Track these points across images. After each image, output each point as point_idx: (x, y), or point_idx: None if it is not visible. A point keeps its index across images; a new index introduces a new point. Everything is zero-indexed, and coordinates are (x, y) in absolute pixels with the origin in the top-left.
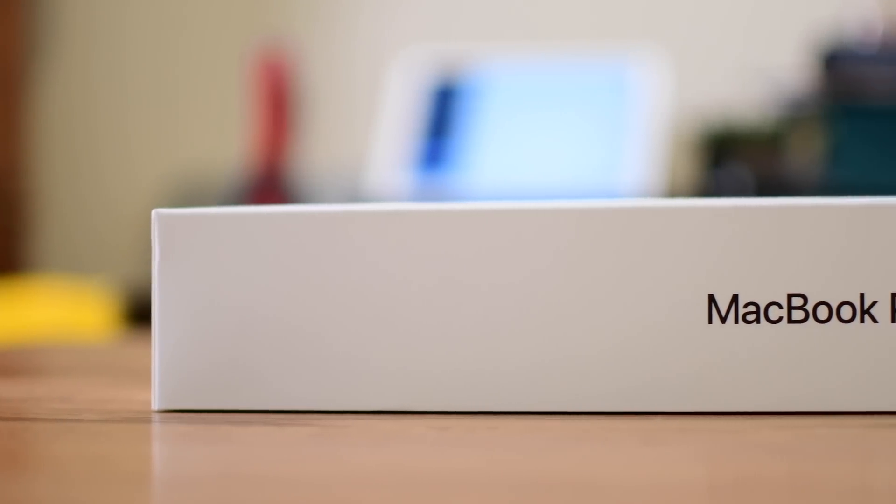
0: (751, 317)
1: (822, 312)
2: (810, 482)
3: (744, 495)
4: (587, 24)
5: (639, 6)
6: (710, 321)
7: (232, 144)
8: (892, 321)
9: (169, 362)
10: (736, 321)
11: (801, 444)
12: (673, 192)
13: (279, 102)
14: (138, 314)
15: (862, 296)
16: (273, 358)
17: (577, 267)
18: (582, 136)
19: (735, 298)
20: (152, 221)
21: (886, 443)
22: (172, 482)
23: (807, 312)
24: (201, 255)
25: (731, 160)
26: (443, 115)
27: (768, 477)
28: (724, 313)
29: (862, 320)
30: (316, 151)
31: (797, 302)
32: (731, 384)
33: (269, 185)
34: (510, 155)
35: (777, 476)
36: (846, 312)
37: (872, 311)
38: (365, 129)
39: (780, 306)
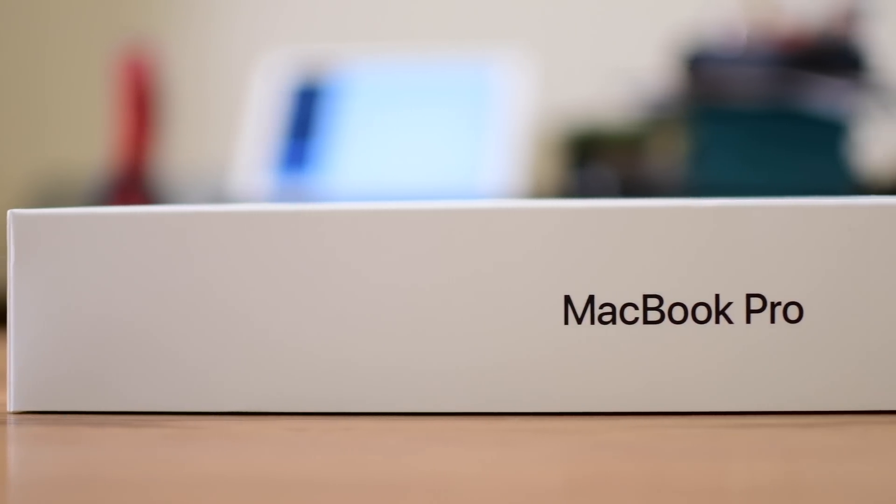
0: (606, 318)
1: (678, 313)
2: (663, 482)
3: (597, 495)
4: (452, 24)
5: (503, 7)
6: (567, 322)
7: (95, 144)
8: (747, 322)
9: (25, 364)
10: (592, 322)
11: (655, 444)
12: (537, 193)
13: (142, 102)
14: None
15: (717, 297)
16: (129, 359)
17: (432, 267)
18: (446, 137)
19: (591, 299)
20: (8, 222)
21: (739, 442)
22: (27, 484)
23: (662, 313)
24: (57, 255)
25: (595, 161)
26: (307, 116)
27: (622, 477)
28: (580, 314)
29: (717, 321)
30: (179, 152)
31: (653, 303)
32: (587, 385)
33: (132, 185)
34: (374, 156)
35: (630, 476)
36: (701, 313)
37: (727, 311)
38: (228, 130)
39: (636, 307)
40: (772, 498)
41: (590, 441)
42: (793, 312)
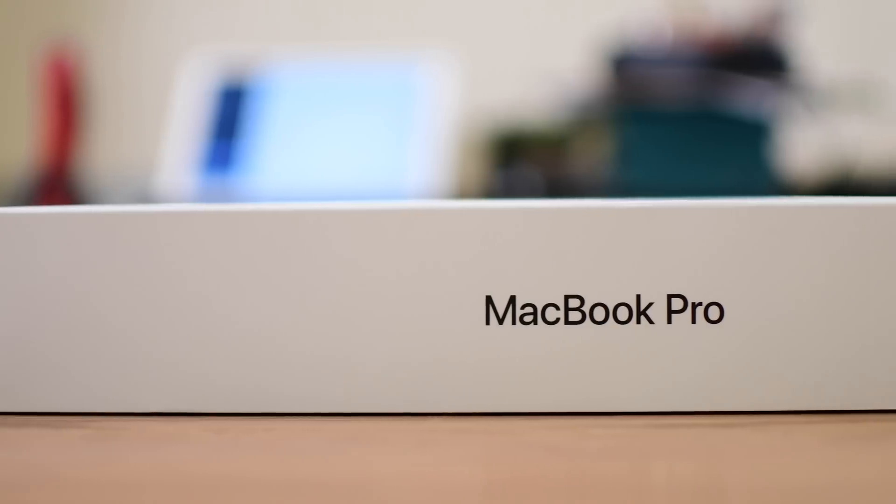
0: (528, 318)
1: (599, 314)
2: (584, 482)
3: (519, 495)
4: (377, 25)
5: (429, 8)
6: (488, 322)
7: (19, 144)
8: (668, 322)
9: None
10: (513, 322)
11: (576, 445)
12: (461, 194)
13: (66, 102)
14: None
15: (638, 297)
16: (49, 360)
17: (354, 267)
18: (371, 138)
19: (512, 300)
20: None
21: (660, 442)
22: None
23: (584, 314)
24: None
25: (520, 161)
26: (232, 116)
27: (544, 477)
28: (501, 315)
29: (638, 321)
30: (104, 152)
31: (574, 303)
32: (509, 385)
33: (56, 185)
34: (300, 156)
35: (552, 476)
36: (622, 314)
37: (648, 312)
38: (154, 130)
39: (558, 307)
40: (693, 497)
41: (511, 441)
42: (713, 313)
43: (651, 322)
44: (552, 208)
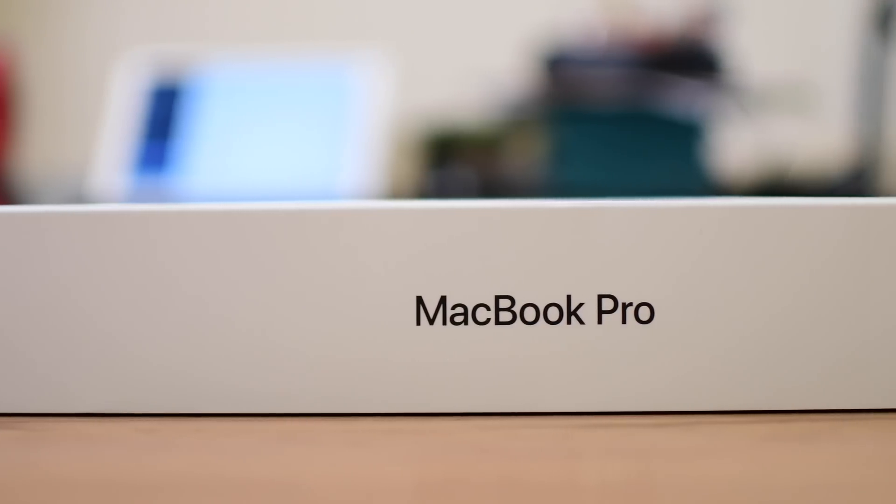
0: (458, 318)
1: (530, 314)
2: (515, 482)
3: (450, 495)
4: (311, 26)
5: (362, 9)
6: (419, 323)
7: None
8: (599, 323)
9: None
10: (444, 323)
11: (507, 444)
12: (395, 194)
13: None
14: None
15: (569, 297)
16: None
17: (285, 267)
18: (305, 138)
19: (443, 300)
20: None
21: (591, 442)
22: None
23: (514, 314)
24: None
25: (453, 162)
26: (166, 117)
27: (475, 477)
28: (431, 315)
29: (569, 321)
30: (37, 153)
31: (505, 304)
32: (440, 385)
33: None
34: (234, 157)
35: (483, 476)
36: (553, 314)
37: (579, 312)
38: (88, 130)
39: (488, 308)
40: (623, 497)
41: (442, 441)
42: (644, 313)
43: (581, 322)
44: (483, 208)
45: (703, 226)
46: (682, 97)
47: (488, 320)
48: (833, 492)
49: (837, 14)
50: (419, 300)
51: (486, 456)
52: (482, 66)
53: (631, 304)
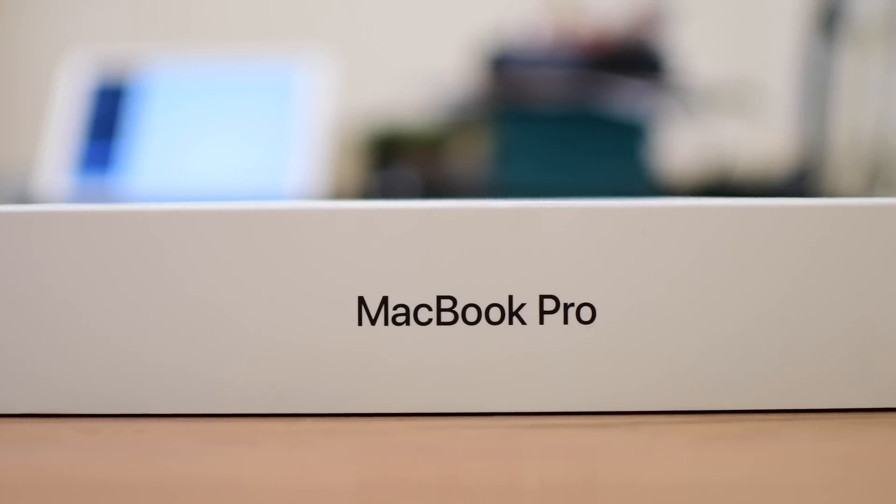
0: (400, 319)
1: (471, 314)
2: (457, 482)
3: (391, 496)
4: (255, 26)
5: (306, 8)
6: (361, 323)
7: None
8: (540, 323)
9: None
10: (386, 323)
11: (449, 445)
12: (339, 194)
13: None
14: None
15: (510, 298)
16: None
17: (226, 268)
18: (249, 138)
19: (385, 300)
20: None
21: (532, 443)
22: None
23: (456, 314)
24: None
25: (397, 162)
26: (110, 117)
27: (416, 477)
28: (373, 315)
29: (510, 322)
30: None
31: (446, 304)
32: (382, 386)
33: None
34: (178, 157)
35: (424, 476)
36: (495, 314)
37: (521, 312)
38: (32, 130)
39: (430, 308)
40: (564, 497)
41: (384, 442)
42: (586, 314)
43: (523, 323)
44: (425, 209)
45: (646, 226)
46: (626, 97)
47: (430, 321)
48: (773, 491)
49: (782, 15)
50: (361, 300)
51: (427, 456)
52: (426, 66)
53: (573, 304)
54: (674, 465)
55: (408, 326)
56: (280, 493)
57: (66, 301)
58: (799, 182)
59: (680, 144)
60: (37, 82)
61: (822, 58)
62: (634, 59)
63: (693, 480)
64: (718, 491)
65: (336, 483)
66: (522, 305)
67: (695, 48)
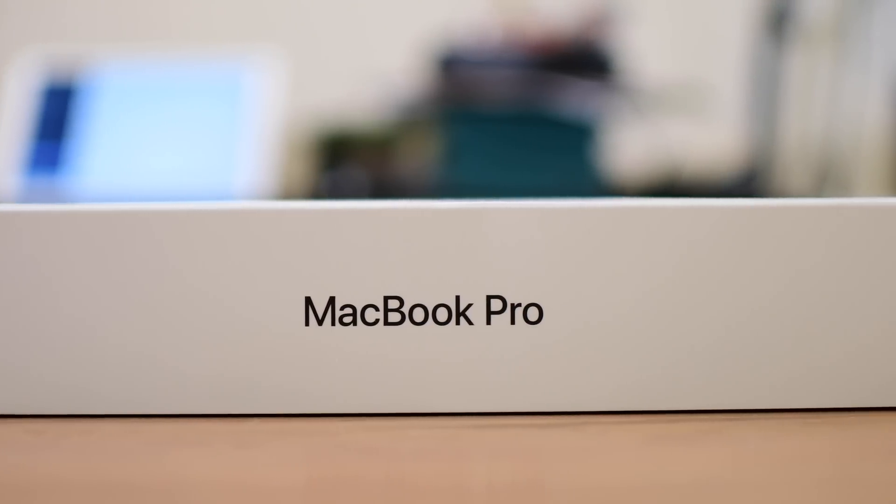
0: (347, 319)
1: (419, 315)
2: (403, 482)
3: (337, 496)
4: (204, 26)
5: (255, 8)
6: (307, 323)
7: None
8: (488, 323)
9: None
10: (333, 323)
11: (396, 445)
12: (288, 195)
13: None
14: None
15: (458, 298)
16: None
17: (174, 268)
18: (198, 138)
19: (332, 301)
20: None
21: (479, 443)
22: None
23: (403, 315)
24: None
25: (346, 162)
26: (59, 117)
27: (363, 478)
28: (321, 316)
29: (458, 322)
30: None
31: (393, 304)
32: (328, 386)
33: None
34: (127, 157)
35: (371, 477)
36: (442, 314)
37: (468, 313)
38: None
39: (377, 308)
40: (511, 497)
41: (330, 442)
42: (533, 314)
43: (470, 323)
44: (372, 209)
45: (592, 227)
46: (575, 98)
47: (377, 321)
48: (719, 490)
49: (731, 16)
50: (308, 301)
51: (375, 456)
52: (375, 67)
53: (520, 304)
54: (622, 466)
55: (355, 327)
56: (227, 494)
57: (6, 300)
58: (748, 182)
59: (629, 145)
60: None
61: (771, 59)
62: (583, 59)
63: (641, 480)
64: (665, 491)
65: (283, 483)
66: (470, 306)
67: (644, 49)
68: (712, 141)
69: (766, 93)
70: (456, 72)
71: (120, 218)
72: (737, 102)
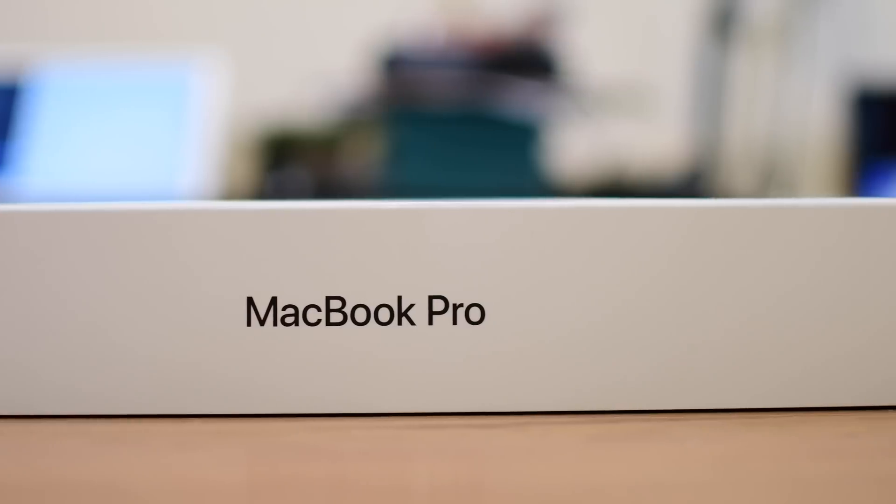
0: (289, 319)
1: (361, 315)
2: (346, 483)
3: (279, 497)
4: (149, 26)
5: (199, 9)
6: (249, 324)
7: None
8: (430, 324)
9: None
10: (275, 324)
11: (338, 445)
12: (231, 195)
13: None
14: None
15: (399, 298)
16: None
17: (114, 268)
18: (143, 139)
19: (274, 301)
20: None
21: (422, 443)
22: None
23: (345, 315)
24: None
25: (291, 163)
26: (4, 117)
27: (305, 478)
28: (262, 316)
29: (399, 322)
30: None
31: (335, 304)
32: (271, 386)
33: None
34: (72, 157)
35: (313, 477)
36: (384, 315)
37: (410, 313)
38: None
39: (319, 309)
40: (453, 498)
41: (273, 443)
42: (475, 314)
43: (412, 323)
44: (313, 209)
45: (534, 227)
46: (519, 98)
47: (319, 321)
48: (661, 491)
49: (676, 17)
50: (250, 301)
51: (316, 457)
52: (319, 67)
53: (462, 304)
54: (563, 466)
55: (297, 327)
56: (167, 495)
57: None
58: (692, 183)
59: (573, 145)
60: None
61: (716, 60)
62: (528, 59)
63: (583, 481)
64: (607, 491)
65: (224, 484)
66: (412, 306)
67: (588, 49)
68: (657, 141)
69: (710, 93)
70: (400, 72)
71: (59, 218)
72: (681, 103)
